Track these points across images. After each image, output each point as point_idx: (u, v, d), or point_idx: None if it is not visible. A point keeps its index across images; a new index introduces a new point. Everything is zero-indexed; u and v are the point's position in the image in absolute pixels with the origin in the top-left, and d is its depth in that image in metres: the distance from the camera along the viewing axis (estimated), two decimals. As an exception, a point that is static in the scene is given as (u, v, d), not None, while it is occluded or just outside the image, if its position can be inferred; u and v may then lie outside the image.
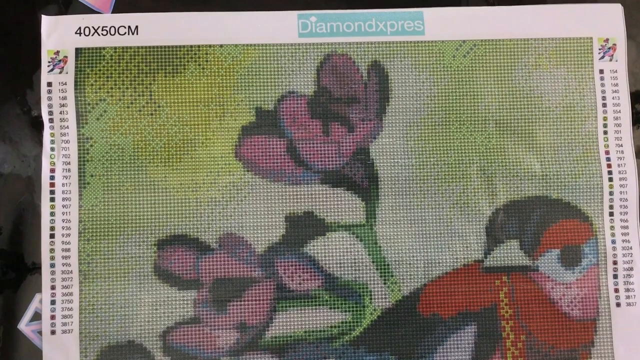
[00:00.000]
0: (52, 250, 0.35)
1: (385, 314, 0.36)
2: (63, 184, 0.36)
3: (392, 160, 0.37)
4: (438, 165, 0.37)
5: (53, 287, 0.35)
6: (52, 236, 0.35)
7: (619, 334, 0.37)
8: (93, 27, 0.37)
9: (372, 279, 0.36)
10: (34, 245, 0.35)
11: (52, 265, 0.35)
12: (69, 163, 0.36)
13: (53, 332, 0.35)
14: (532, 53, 0.38)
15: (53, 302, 0.35)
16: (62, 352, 0.35)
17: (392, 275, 0.36)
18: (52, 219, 0.35)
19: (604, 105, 0.38)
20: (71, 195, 0.36)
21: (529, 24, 0.38)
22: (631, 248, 0.37)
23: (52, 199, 0.35)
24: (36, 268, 0.35)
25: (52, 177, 0.36)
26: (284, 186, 0.37)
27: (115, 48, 0.37)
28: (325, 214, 0.37)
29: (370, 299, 0.36)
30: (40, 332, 0.35)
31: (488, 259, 0.37)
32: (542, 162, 0.38)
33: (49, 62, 0.36)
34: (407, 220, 0.37)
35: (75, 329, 0.35)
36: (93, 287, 0.35)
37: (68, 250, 0.35)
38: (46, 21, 0.36)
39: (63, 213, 0.35)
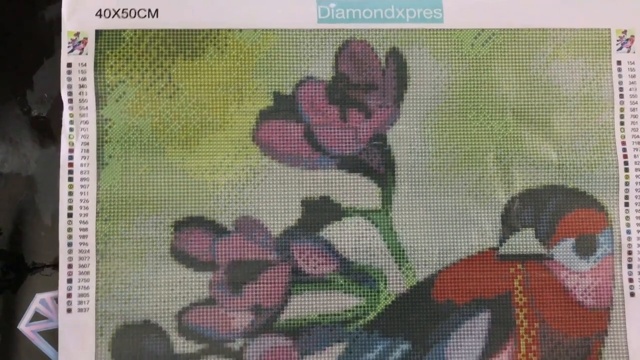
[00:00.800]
0: (69, 230, 0.35)
1: (400, 299, 0.36)
2: (81, 164, 0.36)
3: (408, 147, 0.37)
4: (455, 153, 0.37)
5: (70, 266, 0.35)
6: (69, 215, 0.35)
7: (633, 323, 0.37)
8: (113, 9, 0.37)
9: (387, 264, 0.37)
10: (34, 245, 0.35)
11: (69, 245, 0.35)
12: (88, 144, 0.36)
13: (69, 311, 0.35)
14: (550, 43, 0.38)
15: (69, 281, 0.35)
16: (77, 330, 0.35)
17: (407, 261, 0.37)
18: (70, 199, 0.35)
19: (621, 96, 0.38)
20: (89, 175, 0.36)
21: (548, 14, 0.38)
22: (646, 238, 0.37)
23: (70, 179, 0.36)
24: (36, 268, 0.35)
25: (70, 158, 0.36)
26: (300, 171, 0.37)
27: (135, 30, 0.37)
28: (341, 199, 0.37)
29: (385, 284, 0.36)
30: (40, 332, 0.35)
31: (503, 247, 0.37)
32: (559, 151, 0.38)
33: (69, 43, 0.36)
34: (423, 206, 0.37)
35: (92, 308, 0.35)
36: (110, 266, 0.35)
37: (85, 230, 0.35)
38: (67, 2, 0.37)
39: (81, 193, 0.36)
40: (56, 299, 0.35)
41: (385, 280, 0.36)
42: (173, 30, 0.37)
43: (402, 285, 0.36)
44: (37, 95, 0.36)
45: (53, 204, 0.36)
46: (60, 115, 0.36)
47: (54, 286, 0.35)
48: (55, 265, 0.35)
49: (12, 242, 0.36)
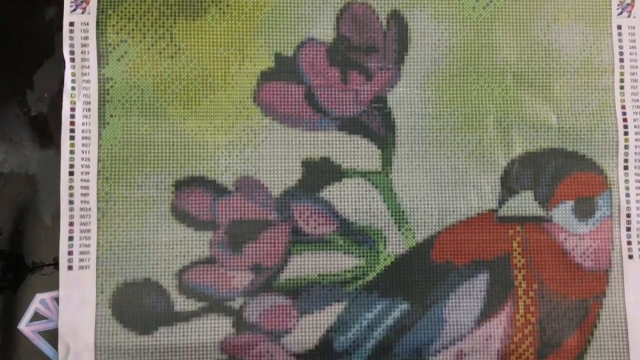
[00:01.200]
0: (70, 188, 0.35)
1: (399, 260, 0.37)
2: (83, 123, 0.36)
3: (409, 109, 0.37)
4: (455, 116, 0.37)
5: (71, 224, 0.35)
6: (71, 174, 0.36)
7: (631, 285, 0.37)
8: None
9: (386, 225, 0.37)
10: (34, 245, 0.36)
11: (71, 202, 0.35)
12: (89, 103, 0.36)
13: (70, 268, 0.35)
14: (551, 7, 0.38)
15: (71, 239, 0.35)
16: (78, 287, 0.35)
17: (406, 222, 0.37)
18: (71, 157, 0.36)
19: (621, 60, 0.38)
20: (91, 134, 0.36)
21: (549, -22, 0.39)
22: (645, 202, 0.38)
23: (72, 137, 0.36)
24: (36, 268, 0.35)
25: (72, 116, 0.36)
26: (301, 132, 0.37)
27: (137, -9, 0.37)
28: (341, 160, 0.37)
29: (385, 245, 0.37)
30: (40, 332, 0.35)
31: (502, 209, 0.37)
32: (559, 115, 0.38)
33: (71, 2, 0.36)
34: (423, 168, 0.37)
35: (92, 265, 0.35)
36: (111, 224, 0.36)
37: (87, 187, 0.36)
38: (69, -37, 0.37)
39: (82, 152, 0.36)
40: (56, 299, 0.35)
41: (385, 241, 0.37)
42: (175, -9, 0.37)
43: (401, 246, 0.37)
44: (37, 95, 0.36)
45: (53, 204, 0.36)
46: (60, 115, 0.36)
47: (54, 286, 0.35)
48: (55, 265, 0.35)
49: (12, 242, 0.36)
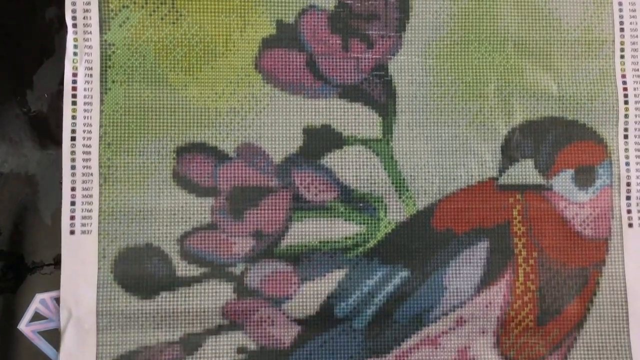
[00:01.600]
0: (72, 153, 0.36)
1: (400, 228, 0.37)
2: (85, 89, 0.36)
3: (410, 77, 0.37)
4: (455, 84, 0.38)
5: (73, 189, 0.35)
6: (72, 139, 0.36)
7: (630, 253, 0.37)
8: None
9: (387, 192, 0.37)
10: (34, 245, 0.36)
11: (73, 168, 0.35)
12: (91, 68, 0.36)
13: (72, 232, 0.35)
14: (552, -24, 0.38)
15: (73, 204, 0.35)
16: (80, 251, 0.35)
17: (407, 190, 0.37)
18: (73, 122, 0.36)
19: (622, 30, 0.38)
20: (92, 100, 0.36)
21: (550, -52, 0.39)
22: (645, 170, 0.38)
23: (74, 103, 0.36)
24: (36, 267, 0.35)
25: (74, 82, 0.36)
26: (302, 99, 0.37)
27: (139, -42, 0.37)
28: (342, 128, 0.37)
29: (385, 212, 0.37)
30: (40, 332, 0.35)
31: (503, 177, 0.37)
32: (559, 83, 0.38)
33: (73, -32, 0.36)
34: (424, 136, 0.37)
35: (94, 230, 0.35)
36: (113, 190, 0.36)
37: (89, 153, 0.36)
38: None
39: (84, 117, 0.36)
40: (57, 299, 0.35)
41: (386, 209, 0.37)
42: (177, -42, 0.37)
43: (402, 214, 0.37)
44: (37, 95, 0.36)
45: (53, 204, 0.35)
46: (61, 115, 0.36)
47: (54, 286, 0.35)
48: (56, 264, 0.35)
49: (12, 242, 0.36)
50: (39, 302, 0.35)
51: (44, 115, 0.36)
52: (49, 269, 0.35)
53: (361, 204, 0.37)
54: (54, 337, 0.35)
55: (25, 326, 0.35)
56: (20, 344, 0.35)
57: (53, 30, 0.36)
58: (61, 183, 0.35)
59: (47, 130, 0.36)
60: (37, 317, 0.35)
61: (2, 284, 0.35)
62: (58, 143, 0.36)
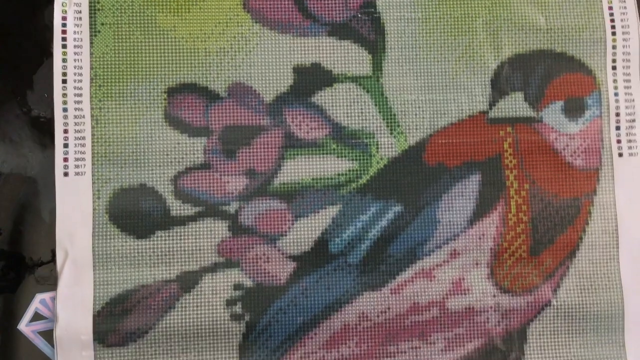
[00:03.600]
0: (64, 95, 0.36)
1: (392, 163, 0.37)
2: (74, 32, 0.36)
3: (398, 14, 0.38)
4: (444, 19, 0.38)
5: (65, 131, 0.36)
6: (64, 82, 0.36)
7: (621, 183, 0.37)
8: None
9: (378, 128, 0.37)
10: (34, 245, 0.36)
11: (65, 110, 0.36)
12: (80, 12, 0.36)
13: (66, 174, 0.35)
14: None
15: (66, 146, 0.35)
16: (74, 193, 0.35)
17: (398, 126, 0.37)
18: (64, 65, 0.36)
19: (608, -39, 0.39)
20: (82, 43, 0.36)
21: None
22: (633, 100, 0.38)
23: (64, 46, 0.36)
24: (35, 266, 0.35)
25: (63, 25, 0.36)
26: (291, 38, 0.37)
27: None
28: (332, 66, 0.37)
29: (377, 148, 0.37)
30: (40, 332, 0.35)
31: (493, 111, 0.37)
32: (547, 16, 0.38)
33: None
34: (413, 72, 0.37)
35: (88, 172, 0.36)
36: (105, 131, 0.36)
37: (80, 95, 0.36)
38: None
39: (75, 60, 0.36)
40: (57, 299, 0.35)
41: (377, 145, 0.37)
42: None
43: (393, 149, 0.37)
44: (37, 95, 0.36)
45: (53, 204, 0.35)
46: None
47: (54, 286, 0.35)
48: (55, 263, 0.35)
49: (12, 242, 0.36)
50: (39, 302, 0.35)
51: (44, 115, 0.36)
52: (50, 265, 0.36)
53: (353, 141, 0.37)
54: (54, 337, 0.35)
55: (25, 326, 0.35)
56: (20, 344, 0.35)
57: (53, 30, 0.36)
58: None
59: (47, 130, 0.36)
60: (37, 317, 0.35)
61: (2, 284, 0.35)
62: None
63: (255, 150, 0.36)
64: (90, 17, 0.36)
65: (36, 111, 0.36)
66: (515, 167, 0.37)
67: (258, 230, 0.36)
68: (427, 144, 0.37)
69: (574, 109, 0.37)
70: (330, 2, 0.37)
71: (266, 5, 0.37)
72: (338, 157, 0.37)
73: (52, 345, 0.35)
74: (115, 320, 0.35)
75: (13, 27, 0.37)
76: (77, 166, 0.35)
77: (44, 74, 0.36)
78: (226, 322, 0.35)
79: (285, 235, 0.36)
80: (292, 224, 0.36)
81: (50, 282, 0.35)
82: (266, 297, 0.36)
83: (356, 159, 0.37)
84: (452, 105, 0.37)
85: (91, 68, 0.36)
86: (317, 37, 0.37)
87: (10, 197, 0.36)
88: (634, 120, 0.38)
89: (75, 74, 0.36)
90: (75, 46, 0.36)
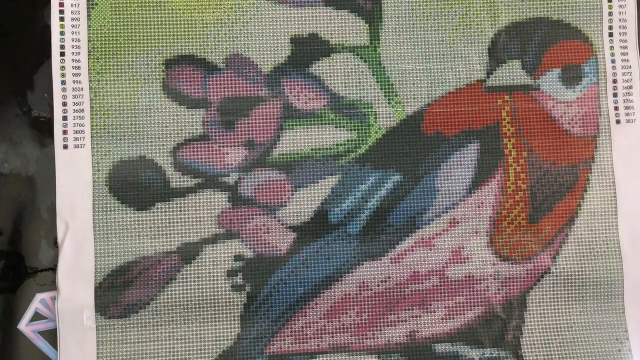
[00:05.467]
0: (62, 68, 0.36)
1: (390, 133, 0.37)
2: (72, 5, 0.36)
3: (395, -17, 0.38)
4: (440, -12, 0.38)
5: (64, 104, 0.36)
6: (62, 54, 0.36)
7: (619, 149, 0.38)
8: None
9: (376, 98, 0.37)
10: (34, 245, 0.36)
11: (63, 83, 0.36)
12: (77, -15, 0.36)
13: (65, 147, 0.35)
14: None
15: (65, 118, 0.36)
16: (74, 166, 0.35)
17: (396, 95, 0.37)
18: (61, 38, 0.36)
19: None
20: (80, 15, 0.36)
21: None
22: (630, 67, 0.38)
23: (62, 19, 0.36)
24: (36, 267, 0.36)
25: (60, -2, 0.36)
26: (288, 8, 0.37)
27: None
28: (329, 36, 0.37)
29: (375, 118, 0.37)
30: (40, 332, 0.35)
31: (490, 79, 0.37)
32: (543, -16, 0.38)
33: None
34: (410, 41, 0.37)
35: (87, 144, 0.36)
36: (104, 104, 0.36)
37: (78, 68, 0.36)
38: None
39: (72, 32, 0.36)
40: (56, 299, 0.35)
41: (375, 115, 0.37)
42: None
43: (392, 119, 0.37)
44: (37, 95, 0.36)
45: (53, 204, 0.35)
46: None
47: (54, 286, 0.35)
48: (56, 265, 0.35)
49: (12, 242, 0.36)
50: (39, 302, 0.35)
51: (43, 115, 0.36)
52: (50, 264, 0.36)
53: (351, 111, 0.37)
54: (54, 337, 0.35)
55: (25, 326, 0.35)
56: (20, 344, 0.35)
57: (53, 30, 0.36)
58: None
59: (47, 130, 0.36)
60: (37, 317, 0.35)
61: (2, 284, 0.35)
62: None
63: (254, 121, 0.36)
64: (87, -10, 0.36)
65: (36, 111, 0.36)
66: (513, 135, 0.37)
67: (258, 201, 0.36)
68: (425, 113, 0.37)
69: (571, 76, 0.38)
70: (326, -28, 0.37)
71: (263, -24, 0.37)
72: (336, 127, 0.37)
73: (52, 345, 0.35)
74: (116, 291, 0.35)
75: (13, 27, 0.37)
76: (76, 139, 0.36)
77: (44, 74, 0.36)
78: (227, 292, 0.36)
79: (285, 206, 0.36)
80: (292, 195, 0.36)
81: (50, 282, 0.35)
82: (267, 268, 0.36)
83: (354, 129, 0.37)
84: (450, 74, 0.37)
85: (89, 41, 0.36)
86: (314, 7, 0.37)
87: (10, 197, 0.36)
88: (630, 87, 0.38)
89: (73, 46, 0.36)
90: (72, 19, 0.36)
